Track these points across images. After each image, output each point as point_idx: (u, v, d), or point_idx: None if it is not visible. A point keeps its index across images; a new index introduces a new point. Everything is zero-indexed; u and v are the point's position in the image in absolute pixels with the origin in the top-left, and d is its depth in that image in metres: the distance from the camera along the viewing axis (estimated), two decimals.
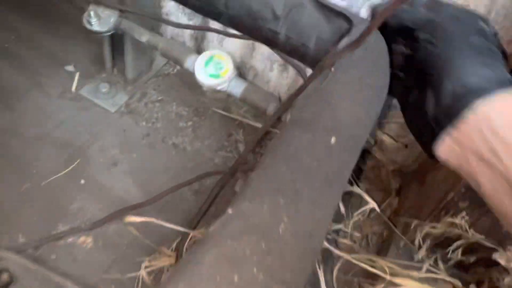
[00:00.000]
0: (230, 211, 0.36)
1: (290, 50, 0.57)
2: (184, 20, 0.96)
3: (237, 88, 0.69)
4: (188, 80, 0.97)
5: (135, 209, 0.72)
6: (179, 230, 0.69)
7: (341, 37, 0.53)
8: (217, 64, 0.70)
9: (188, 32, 0.97)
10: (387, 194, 0.88)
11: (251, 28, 0.58)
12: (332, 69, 0.48)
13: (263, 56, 0.91)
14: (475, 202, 0.64)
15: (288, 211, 0.36)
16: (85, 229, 0.72)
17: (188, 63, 0.72)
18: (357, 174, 0.87)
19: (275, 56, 0.88)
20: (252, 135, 0.92)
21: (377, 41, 0.52)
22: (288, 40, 0.56)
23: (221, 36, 0.91)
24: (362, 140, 0.46)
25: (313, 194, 0.38)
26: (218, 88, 0.69)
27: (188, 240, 0.67)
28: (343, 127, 0.44)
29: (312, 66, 0.57)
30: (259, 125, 0.91)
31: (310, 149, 0.41)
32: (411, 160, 0.89)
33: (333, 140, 0.43)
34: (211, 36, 0.95)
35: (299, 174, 0.39)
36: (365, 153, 0.90)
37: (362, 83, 0.48)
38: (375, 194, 0.88)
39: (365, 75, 0.48)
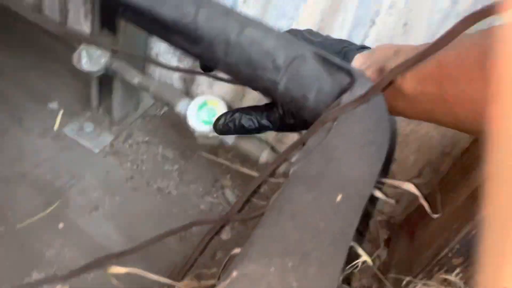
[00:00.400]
0: (234, 274, 0.34)
1: (289, 101, 0.56)
2: (174, 62, 0.95)
3: (230, 135, 0.68)
4: (175, 122, 0.96)
5: (117, 257, 0.68)
6: (165, 281, 0.66)
7: (342, 91, 0.52)
8: (210, 110, 0.69)
9: (177, 74, 0.96)
10: (375, 245, 0.87)
11: (250, 77, 0.57)
12: (335, 123, 0.48)
13: (253, 100, 0.91)
14: (470, 258, 0.63)
15: (297, 275, 0.34)
16: (61, 278, 0.67)
17: (179, 107, 0.70)
18: None
19: (264, 101, 0.88)
20: (239, 180, 0.90)
21: (377, 97, 0.52)
22: (288, 91, 0.55)
23: (211, 79, 0.91)
24: (366, 198, 0.44)
25: (322, 256, 0.37)
26: (211, 134, 0.67)
27: None
28: (348, 184, 0.43)
29: (310, 117, 0.56)
30: (246, 170, 0.90)
31: (317, 208, 0.39)
32: (399, 212, 0.89)
33: (339, 198, 0.41)
34: (201, 78, 0.95)
35: (306, 234, 0.37)
36: None
37: (365, 138, 0.47)
38: (364, 245, 0.87)
39: (368, 131, 0.48)
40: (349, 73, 0.52)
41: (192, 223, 0.74)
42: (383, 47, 0.52)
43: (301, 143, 0.53)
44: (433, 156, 0.79)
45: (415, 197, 0.78)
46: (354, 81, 0.51)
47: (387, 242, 0.86)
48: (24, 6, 0.85)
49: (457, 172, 0.73)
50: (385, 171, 0.62)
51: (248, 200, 0.82)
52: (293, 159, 0.57)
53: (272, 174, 0.66)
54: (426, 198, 0.75)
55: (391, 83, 0.47)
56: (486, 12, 0.32)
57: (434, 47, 0.37)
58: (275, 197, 0.43)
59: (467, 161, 0.72)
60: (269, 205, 0.42)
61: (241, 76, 0.59)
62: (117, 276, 0.70)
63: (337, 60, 0.54)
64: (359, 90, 0.50)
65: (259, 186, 0.72)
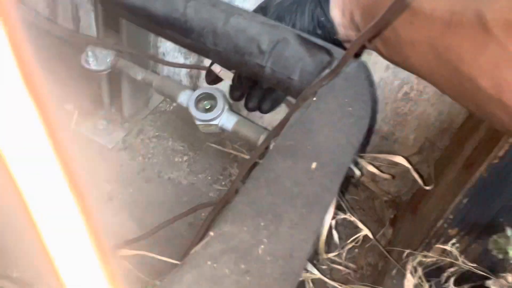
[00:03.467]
0: (211, 233, 0.37)
1: (275, 83, 0.59)
2: (180, 58, 0.99)
3: (229, 122, 0.71)
4: (184, 116, 1.00)
5: (129, 244, 0.73)
6: (173, 263, 0.70)
7: (323, 69, 0.55)
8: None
9: (184, 70, 1.00)
10: (382, 225, 0.89)
11: (238, 63, 0.60)
12: (314, 98, 0.50)
13: None
14: (464, 228, 0.64)
15: (268, 233, 0.37)
16: None
17: (181, 98, 0.74)
18: (351, 204, 0.88)
19: None
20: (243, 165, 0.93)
21: (358, 71, 0.54)
22: (274, 73, 0.58)
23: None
24: (344, 166, 0.47)
25: (294, 217, 0.39)
26: (211, 122, 0.71)
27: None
28: (324, 153, 0.45)
29: (296, 97, 0.59)
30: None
31: (291, 174, 0.42)
32: (404, 191, 0.90)
33: (313, 165, 0.44)
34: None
35: (279, 198, 0.40)
36: (357, 184, 0.91)
37: (343, 111, 0.50)
38: (370, 225, 0.89)
39: (346, 104, 0.50)
40: (329, 52, 0.55)
41: (195, 207, 0.78)
42: None
43: (287, 120, 0.56)
44: (431, 133, 0.80)
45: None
46: (333, 58, 0.54)
47: (393, 221, 0.88)
48: (37, 15, 0.91)
49: (453, 147, 0.74)
50: (366, 141, 0.64)
51: (244, 181, 0.85)
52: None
53: (265, 152, 0.70)
54: (425, 174, 0.77)
55: (362, 48, 0.49)
56: None
57: (390, 11, 0.39)
58: (256, 168, 0.46)
59: (461, 135, 0.73)
60: (249, 176, 0.45)
61: (231, 63, 0.63)
62: (130, 260, 0.75)
63: (317, 40, 0.57)
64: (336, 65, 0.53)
65: (253, 166, 0.75)
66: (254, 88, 0.67)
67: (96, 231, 0.21)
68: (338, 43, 0.59)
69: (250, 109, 0.68)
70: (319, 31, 0.59)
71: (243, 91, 0.67)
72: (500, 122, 0.33)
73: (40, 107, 0.17)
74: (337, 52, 0.55)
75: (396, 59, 0.48)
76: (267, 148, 0.62)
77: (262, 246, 0.36)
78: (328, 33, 0.59)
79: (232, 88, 0.68)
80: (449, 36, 0.37)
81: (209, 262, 0.34)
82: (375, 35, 0.45)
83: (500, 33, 0.31)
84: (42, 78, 0.17)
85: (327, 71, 0.53)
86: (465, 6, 0.36)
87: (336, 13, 0.57)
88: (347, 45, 0.60)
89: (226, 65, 0.64)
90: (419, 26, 0.41)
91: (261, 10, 0.64)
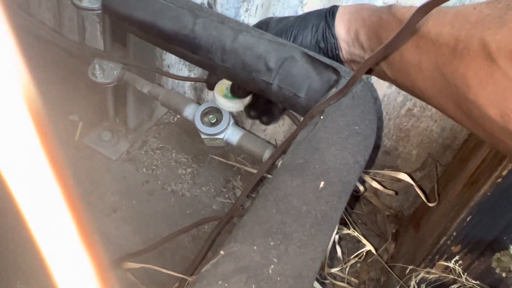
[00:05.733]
0: (222, 252, 0.38)
1: (282, 100, 0.60)
2: (185, 71, 1.00)
3: (234, 136, 0.72)
4: (188, 128, 1.01)
5: (133, 256, 0.73)
6: (177, 277, 0.70)
7: (330, 87, 0.56)
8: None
9: (188, 82, 1.01)
10: (384, 239, 0.89)
11: (245, 79, 0.61)
12: (321, 117, 0.51)
13: None
14: (467, 246, 0.65)
15: (278, 252, 0.38)
16: None
17: (186, 112, 0.75)
18: (354, 219, 0.88)
19: None
20: (249, 180, 0.94)
21: (364, 90, 0.55)
22: (280, 90, 0.59)
23: None
24: (351, 185, 0.47)
25: (303, 236, 0.40)
26: (216, 136, 0.72)
27: (185, 286, 0.67)
28: (331, 172, 0.46)
29: (303, 114, 0.59)
30: (256, 171, 0.93)
31: (300, 193, 0.43)
32: (406, 206, 0.91)
33: (321, 184, 0.44)
34: None
35: (288, 217, 0.41)
36: (360, 198, 0.91)
37: (349, 130, 0.50)
38: (372, 239, 0.89)
39: (353, 123, 0.51)
40: (336, 70, 0.56)
41: (200, 221, 0.78)
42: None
43: (294, 137, 0.56)
44: (434, 149, 0.81)
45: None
46: (340, 77, 0.55)
47: (395, 236, 0.88)
48: (45, 27, 0.92)
49: (456, 164, 0.75)
50: (371, 157, 0.64)
51: (249, 195, 0.85)
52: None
53: (272, 168, 0.71)
54: (427, 190, 0.77)
55: (369, 71, 0.50)
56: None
57: (399, 35, 0.40)
58: (264, 186, 0.46)
59: (465, 152, 0.73)
60: (258, 194, 0.46)
61: (238, 79, 0.63)
62: (133, 273, 0.75)
63: (324, 58, 0.57)
64: (343, 84, 0.53)
65: (260, 181, 0.76)
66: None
67: (93, 246, 0.21)
68: (338, 60, 0.60)
69: (251, 117, 0.69)
70: (322, 45, 0.60)
71: (260, 111, 0.68)
72: (508, 149, 0.34)
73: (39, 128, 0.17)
74: (344, 71, 0.56)
75: (402, 82, 0.48)
76: (273, 163, 0.63)
77: (272, 266, 0.37)
78: (331, 48, 0.60)
79: (249, 107, 0.68)
80: (456, 63, 0.37)
81: (220, 282, 0.35)
82: (383, 58, 0.45)
83: (505, 64, 0.32)
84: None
85: (334, 90, 0.54)
86: (469, 34, 0.37)
87: (341, 30, 0.58)
88: (348, 63, 0.61)
89: (234, 81, 0.64)
90: (426, 50, 0.41)
91: (262, 25, 0.65)
